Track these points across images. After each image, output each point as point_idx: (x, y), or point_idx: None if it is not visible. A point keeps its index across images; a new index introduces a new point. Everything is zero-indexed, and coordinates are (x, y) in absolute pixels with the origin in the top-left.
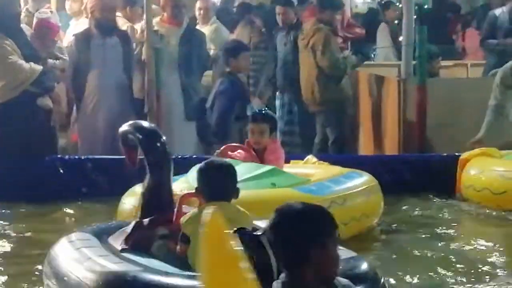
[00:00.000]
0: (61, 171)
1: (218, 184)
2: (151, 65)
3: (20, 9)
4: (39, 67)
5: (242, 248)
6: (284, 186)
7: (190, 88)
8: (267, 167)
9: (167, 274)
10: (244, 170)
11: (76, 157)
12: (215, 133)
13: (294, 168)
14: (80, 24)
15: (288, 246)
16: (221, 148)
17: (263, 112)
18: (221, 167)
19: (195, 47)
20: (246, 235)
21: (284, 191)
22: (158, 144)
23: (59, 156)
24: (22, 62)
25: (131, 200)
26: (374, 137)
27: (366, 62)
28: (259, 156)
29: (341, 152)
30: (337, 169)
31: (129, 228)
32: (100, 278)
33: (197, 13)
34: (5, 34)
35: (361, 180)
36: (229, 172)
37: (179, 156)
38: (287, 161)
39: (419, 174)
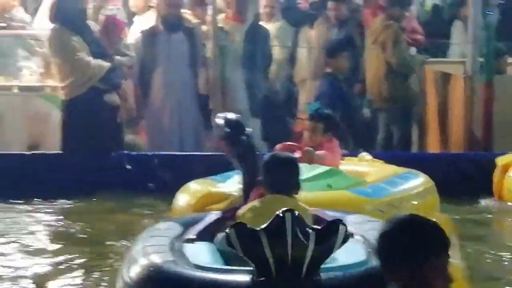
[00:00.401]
0: (128, 167)
1: (280, 178)
2: (216, 62)
3: (86, 6)
4: (106, 64)
5: (239, 243)
6: (340, 187)
7: (254, 85)
8: (324, 168)
9: (196, 268)
10: (303, 170)
11: (143, 153)
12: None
13: (349, 165)
14: (144, 21)
15: (400, 260)
16: (279, 146)
17: (319, 111)
18: (284, 161)
19: (260, 44)
20: (244, 231)
21: (340, 193)
22: (243, 137)
23: (125, 152)
24: (90, 58)
25: (184, 196)
26: (440, 135)
27: (433, 59)
28: None
29: (407, 150)
30: (392, 169)
31: (208, 219)
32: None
33: (261, 10)
34: (73, 31)
35: (417, 181)
36: (292, 166)
37: None
38: None
39: (485, 172)
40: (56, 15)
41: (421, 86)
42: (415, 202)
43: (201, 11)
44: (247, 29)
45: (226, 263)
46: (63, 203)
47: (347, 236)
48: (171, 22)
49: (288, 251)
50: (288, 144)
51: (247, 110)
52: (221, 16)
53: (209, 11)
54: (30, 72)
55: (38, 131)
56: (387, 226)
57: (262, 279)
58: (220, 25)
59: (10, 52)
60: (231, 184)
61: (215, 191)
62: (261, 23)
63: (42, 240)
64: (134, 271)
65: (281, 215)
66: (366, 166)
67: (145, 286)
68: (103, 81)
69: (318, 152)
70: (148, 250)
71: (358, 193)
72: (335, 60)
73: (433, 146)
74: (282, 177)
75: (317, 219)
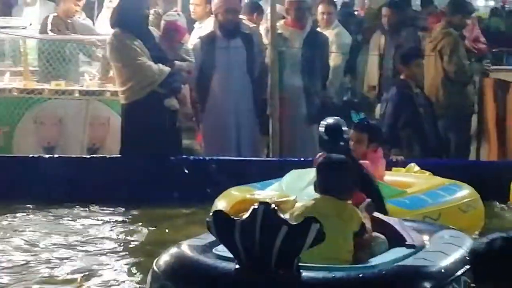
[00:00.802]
0: (186, 171)
1: (331, 180)
2: (274, 68)
3: (148, 11)
4: (167, 69)
5: (216, 230)
6: None
7: (312, 91)
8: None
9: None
10: None
11: (201, 157)
12: (384, 141)
13: (394, 176)
14: (204, 27)
15: None
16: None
17: (364, 121)
18: (336, 164)
19: (318, 50)
20: (221, 219)
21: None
22: (341, 143)
23: (184, 156)
24: (150, 63)
25: (222, 202)
26: (498, 143)
27: (494, 67)
28: None
29: (465, 157)
30: (437, 180)
31: None
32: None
33: (319, 16)
34: (134, 35)
35: (460, 193)
36: (343, 170)
37: (302, 159)
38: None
39: None
40: (118, 19)
41: (479, 94)
42: (454, 216)
43: (258, 17)
44: (306, 35)
45: None
46: (122, 207)
47: (321, 234)
48: (229, 28)
49: (256, 242)
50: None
51: (305, 116)
52: (280, 23)
53: (267, 17)
54: (90, 76)
55: (97, 135)
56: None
57: (237, 267)
58: (279, 31)
59: (72, 57)
60: (269, 191)
61: (250, 198)
62: (318, 29)
63: (99, 243)
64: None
65: (256, 207)
66: (411, 177)
67: (164, 270)
68: (162, 86)
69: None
70: (184, 242)
71: (395, 204)
72: (409, 67)
73: (491, 154)
74: (333, 180)
75: (384, 226)
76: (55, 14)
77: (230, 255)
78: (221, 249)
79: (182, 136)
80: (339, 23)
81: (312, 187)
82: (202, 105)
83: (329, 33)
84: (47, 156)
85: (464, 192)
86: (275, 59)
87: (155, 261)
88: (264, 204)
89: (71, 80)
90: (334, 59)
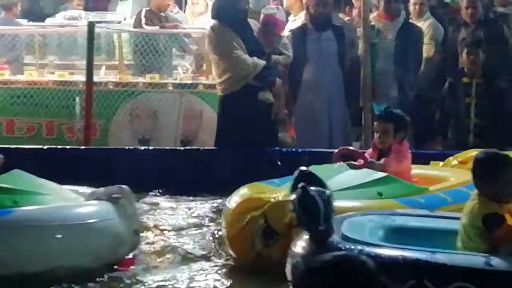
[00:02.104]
0: (279, 163)
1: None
2: (366, 60)
3: (248, 6)
4: (262, 62)
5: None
6: (391, 196)
7: (405, 83)
8: (379, 175)
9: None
10: (354, 177)
11: (294, 149)
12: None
13: (427, 170)
14: (298, 20)
15: None
16: (339, 150)
17: (388, 110)
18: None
19: (412, 42)
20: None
21: (386, 203)
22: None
23: (277, 148)
24: (246, 56)
25: (232, 200)
26: None
27: None
28: (383, 157)
29: None
30: (461, 176)
31: None
32: None
33: (411, 7)
34: (232, 28)
35: None
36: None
37: None
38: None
39: None
40: (217, 12)
41: None
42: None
43: (350, 10)
44: (400, 26)
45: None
46: (215, 198)
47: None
48: (320, 21)
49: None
50: (348, 149)
51: (397, 108)
52: (372, 15)
53: (359, 9)
54: (184, 70)
55: (191, 127)
56: None
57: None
58: (371, 23)
59: (165, 50)
60: (284, 189)
61: (255, 197)
62: (410, 21)
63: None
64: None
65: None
66: (446, 172)
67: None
68: (257, 79)
69: (380, 162)
70: None
71: (407, 203)
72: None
73: None
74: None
75: None
76: (148, 8)
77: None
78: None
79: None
80: (430, 15)
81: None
82: (294, 97)
83: (421, 24)
84: (142, 148)
85: None
86: (368, 51)
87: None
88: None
89: (164, 73)
90: (427, 51)
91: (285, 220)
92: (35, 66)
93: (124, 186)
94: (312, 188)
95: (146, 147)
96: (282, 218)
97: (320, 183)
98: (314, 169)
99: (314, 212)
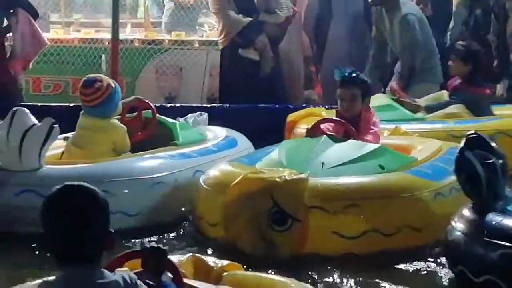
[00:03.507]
0: None
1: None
2: None
3: None
4: (245, 20)
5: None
6: (393, 169)
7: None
8: (372, 146)
9: None
10: (347, 150)
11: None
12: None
13: (387, 139)
14: None
15: None
16: (314, 123)
17: (353, 74)
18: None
19: None
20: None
21: (397, 177)
22: None
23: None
24: (230, 13)
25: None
26: None
27: None
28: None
29: None
30: (435, 144)
31: None
32: None
33: None
34: None
35: None
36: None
37: None
38: None
39: None
40: None
41: None
42: None
43: None
44: None
45: None
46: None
47: None
48: None
49: None
50: (325, 119)
51: None
52: None
53: None
54: (209, 27)
55: (217, 84)
56: None
57: None
58: None
59: (192, 8)
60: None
61: (254, 177)
62: None
63: None
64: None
65: None
66: (402, 140)
67: None
68: (240, 36)
69: (366, 140)
70: None
71: (417, 175)
72: None
73: None
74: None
75: None
76: None
77: None
78: None
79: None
80: None
81: (316, 161)
82: (320, 54)
83: None
84: (168, 105)
85: None
86: None
87: None
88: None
89: (190, 31)
90: None
91: (299, 201)
92: (61, 24)
93: None
94: (473, 152)
95: (172, 104)
96: (296, 199)
97: (490, 148)
98: (291, 145)
99: (474, 178)
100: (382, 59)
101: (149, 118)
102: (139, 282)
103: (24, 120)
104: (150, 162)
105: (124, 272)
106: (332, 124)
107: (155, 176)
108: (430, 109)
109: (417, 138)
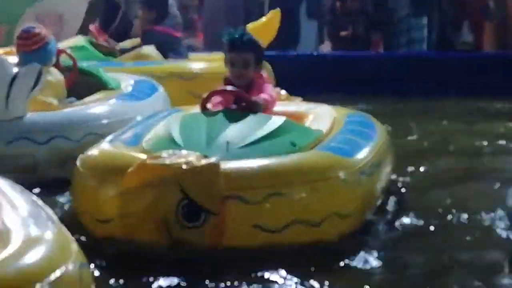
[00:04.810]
0: None
1: None
2: None
3: None
4: None
5: None
6: (305, 145)
7: None
8: (278, 121)
9: None
10: (252, 125)
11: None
12: None
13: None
14: None
15: None
16: (204, 97)
17: (245, 37)
18: None
19: None
20: None
21: (317, 156)
22: None
23: None
24: None
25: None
26: None
27: None
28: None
29: None
30: (326, 110)
31: None
32: None
33: None
34: None
35: (376, 128)
36: None
37: None
38: None
39: None
40: None
41: None
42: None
43: None
44: None
45: None
46: None
47: None
48: None
49: None
50: (221, 90)
51: None
52: None
53: None
54: None
55: None
56: None
57: None
58: None
59: None
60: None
61: (153, 164)
62: None
63: None
64: None
65: None
66: (293, 106)
67: None
68: None
69: (262, 98)
70: None
71: (335, 152)
72: None
73: None
74: None
75: None
76: None
77: None
78: None
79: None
80: None
81: (218, 140)
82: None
83: None
84: None
85: (375, 124)
86: None
87: None
88: None
89: None
90: None
91: (214, 191)
92: None
93: None
94: None
95: None
96: (210, 189)
97: None
98: (190, 118)
99: None
100: None
101: (69, 65)
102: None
103: (7, 67)
104: (130, 104)
105: None
106: (220, 98)
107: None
108: (123, 51)
109: (301, 103)
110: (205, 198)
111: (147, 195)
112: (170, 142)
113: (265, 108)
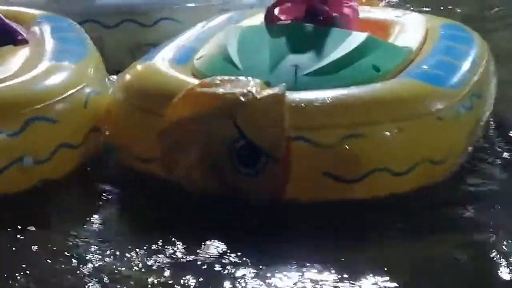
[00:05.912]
0: None
1: None
2: None
3: None
4: None
5: None
6: (389, 69)
7: None
8: (359, 37)
9: None
10: (326, 44)
11: None
12: None
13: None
14: None
15: None
16: (268, 7)
17: None
18: None
19: None
20: None
21: (404, 87)
22: None
23: None
24: None
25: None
26: None
27: None
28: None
29: None
30: (417, 18)
31: None
32: None
33: None
34: None
35: (475, 42)
36: None
37: None
38: None
39: None
40: None
41: None
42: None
43: None
44: None
45: None
46: None
47: None
48: None
49: None
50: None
51: None
52: None
53: None
54: None
55: None
56: None
57: None
58: None
59: None
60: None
61: (201, 91)
62: None
63: None
64: None
65: None
66: (376, 13)
67: None
68: None
69: (343, 13)
70: None
71: (427, 80)
72: None
73: None
74: None
75: None
76: None
77: None
78: None
79: None
80: None
81: (285, 63)
82: None
83: None
84: None
85: (476, 38)
86: None
87: None
88: None
89: None
90: None
91: (277, 130)
92: None
93: None
94: None
95: None
96: (273, 127)
97: None
98: (250, 32)
99: None
100: None
101: None
102: None
103: None
104: None
105: None
106: (289, 4)
107: None
108: None
109: (384, 9)
110: (266, 139)
111: (196, 132)
112: (227, 63)
113: (344, 26)
